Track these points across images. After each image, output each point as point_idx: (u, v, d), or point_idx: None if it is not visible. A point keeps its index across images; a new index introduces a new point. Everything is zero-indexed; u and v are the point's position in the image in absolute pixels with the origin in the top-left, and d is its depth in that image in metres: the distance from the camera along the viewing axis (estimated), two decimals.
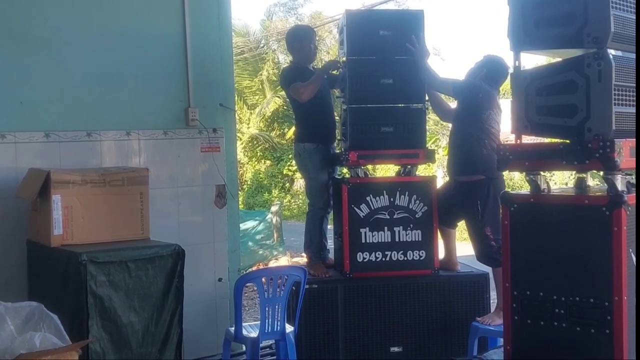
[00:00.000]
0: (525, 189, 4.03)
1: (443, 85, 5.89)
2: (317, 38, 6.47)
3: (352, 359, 5.62)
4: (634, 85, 3.60)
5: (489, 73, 5.68)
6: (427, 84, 5.89)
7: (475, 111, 5.61)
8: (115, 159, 5.74)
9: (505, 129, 5.35)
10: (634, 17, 3.63)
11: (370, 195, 5.72)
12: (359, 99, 5.84)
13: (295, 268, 5.71)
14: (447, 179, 6.28)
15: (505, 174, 5.84)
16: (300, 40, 6.15)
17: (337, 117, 6.42)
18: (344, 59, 5.88)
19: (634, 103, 3.61)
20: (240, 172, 22.45)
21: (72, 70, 5.59)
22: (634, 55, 3.65)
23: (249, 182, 24.16)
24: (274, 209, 13.20)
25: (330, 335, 5.60)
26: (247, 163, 24.32)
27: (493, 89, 5.69)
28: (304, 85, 5.77)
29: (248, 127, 23.71)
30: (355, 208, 5.70)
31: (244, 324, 5.26)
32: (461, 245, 6.38)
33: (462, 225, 6.33)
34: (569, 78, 3.63)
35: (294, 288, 5.29)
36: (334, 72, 6.11)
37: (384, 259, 5.73)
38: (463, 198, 5.67)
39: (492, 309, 5.67)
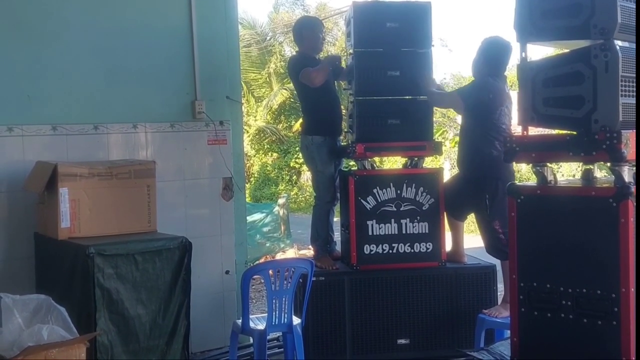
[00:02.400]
0: (532, 181, 4.03)
1: (450, 99, 5.92)
2: (324, 30, 6.48)
3: (359, 351, 5.63)
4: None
5: (488, 59, 5.61)
6: (436, 104, 5.93)
7: (486, 112, 5.54)
8: (122, 152, 5.74)
9: (513, 121, 5.34)
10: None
11: (377, 188, 5.72)
12: (366, 91, 5.83)
13: (302, 260, 5.71)
14: (455, 171, 6.27)
15: (513, 165, 5.81)
16: (312, 28, 6.16)
17: (343, 110, 6.42)
18: (351, 51, 5.88)
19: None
20: (247, 164, 22.45)
21: (79, 64, 5.59)
22: None
23: (255, 175, 24.16)
24: (280, 201, 13.17)
25: (337, 327, 5.61)
26: (254, 156, 24.31)
27: (500, 81, 5.64)
28: (315, 70, 5.77)
29: (255, 120, 23.71)
30: (362, 200, 5.70)
31: (251, 317, 5.26)
32: (469, 238, 6.38)
33: (469, 217, 6.32)
34: (576, 69, 3.62)
35: (301, 280, 5.29)
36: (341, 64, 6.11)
37: (390, 251, 5.73)
38: (472, 192, 5.65)
39: (499, 301, 5.67)
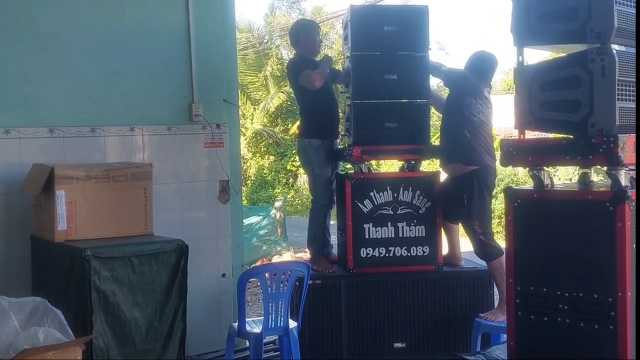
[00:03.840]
0: (529, 185, 4.03)
1: (437, 72, 5.98)
2: (320, 33, 6.48)
3: (355, 355, 5.62)
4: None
5: (474, 72, 5.75)
6: (432, 71, 6.00)
7: (458, 97, 5.68)
8: (119, 155, 5.74)
9: (509, 124, 5.36)
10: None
11: (374, 191, 5.72)
12: (363, 95, 5.84)
13: (299, 263, 5.71)
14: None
15: (510, 169, 5.83)
16: (307, 30, 6.15)
17: (340, 113, 6.42)
18: (348, 54, 5.89)
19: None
20: (244, 167, 22.46)
21: (76, 66, 5.59)
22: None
23: (252, 178, 24.14)
24: (277, 204, 13.16)
25: (334, 330, 5.61)
26: (251, 159, 24.30)
27: (480, 81, 5.71)
28: (314, 73, 5.75)
29: (252, 123, 23.71)
30: (358, 203, 5.70)
31: (247, 320, 5.27)
32: (465, 241, 6.37)
33: None
34: (573, 73, 3.63)
35: (297, 284, 5.29)
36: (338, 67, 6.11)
37: (387, 255, 5.73)
38: (452, 193, 5.69)
39: (496, 304, 5.67)
